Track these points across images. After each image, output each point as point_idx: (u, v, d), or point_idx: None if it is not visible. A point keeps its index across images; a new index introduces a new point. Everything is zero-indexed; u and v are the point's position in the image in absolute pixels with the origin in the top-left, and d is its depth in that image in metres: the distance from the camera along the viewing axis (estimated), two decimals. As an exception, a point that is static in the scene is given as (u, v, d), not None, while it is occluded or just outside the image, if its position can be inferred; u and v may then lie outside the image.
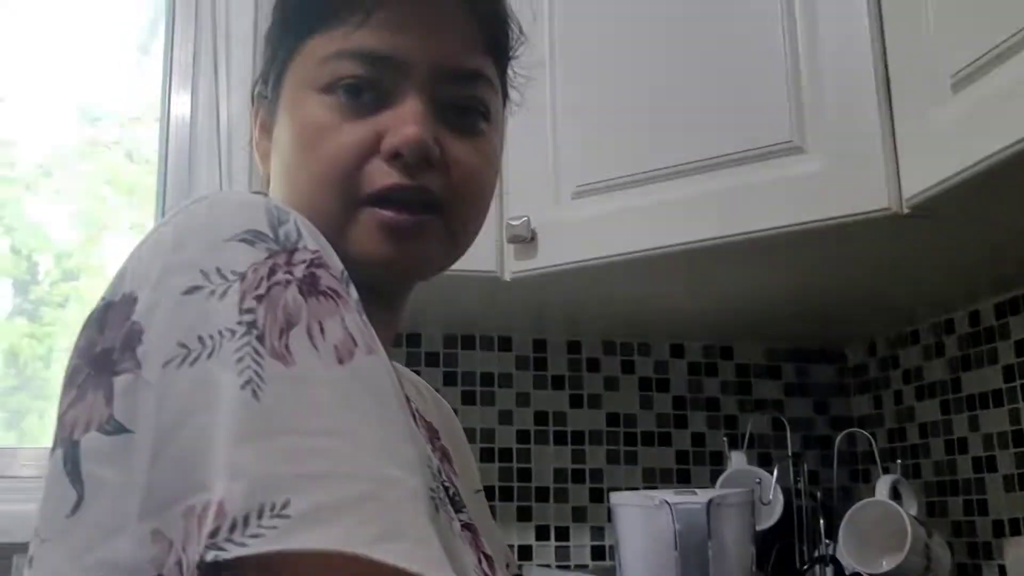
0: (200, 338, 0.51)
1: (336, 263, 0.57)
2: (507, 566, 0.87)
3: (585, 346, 1.75)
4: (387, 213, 0.65)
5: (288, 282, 0.53)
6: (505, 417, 1.69)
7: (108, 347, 0.53)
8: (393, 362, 0.67)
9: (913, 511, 1.36)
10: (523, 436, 1.68)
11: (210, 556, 0.45)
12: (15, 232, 1.80)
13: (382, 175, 0.64)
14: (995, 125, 0.96)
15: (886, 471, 1.45)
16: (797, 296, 1.50)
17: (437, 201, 0.66)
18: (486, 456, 1.66)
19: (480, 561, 0.64)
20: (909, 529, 1.28)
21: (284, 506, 0.46)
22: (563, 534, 1.66)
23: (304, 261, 0.55)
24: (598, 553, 1.65)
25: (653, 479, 1.70)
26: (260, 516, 0.46)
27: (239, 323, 0.51)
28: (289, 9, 0.70)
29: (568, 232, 1.31)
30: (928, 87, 1.06)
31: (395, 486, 0.50)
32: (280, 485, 0.47)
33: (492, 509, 1.61)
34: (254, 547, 0.45)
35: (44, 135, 1.79)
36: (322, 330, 0.53)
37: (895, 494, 1.38)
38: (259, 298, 0.52)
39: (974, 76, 0.99)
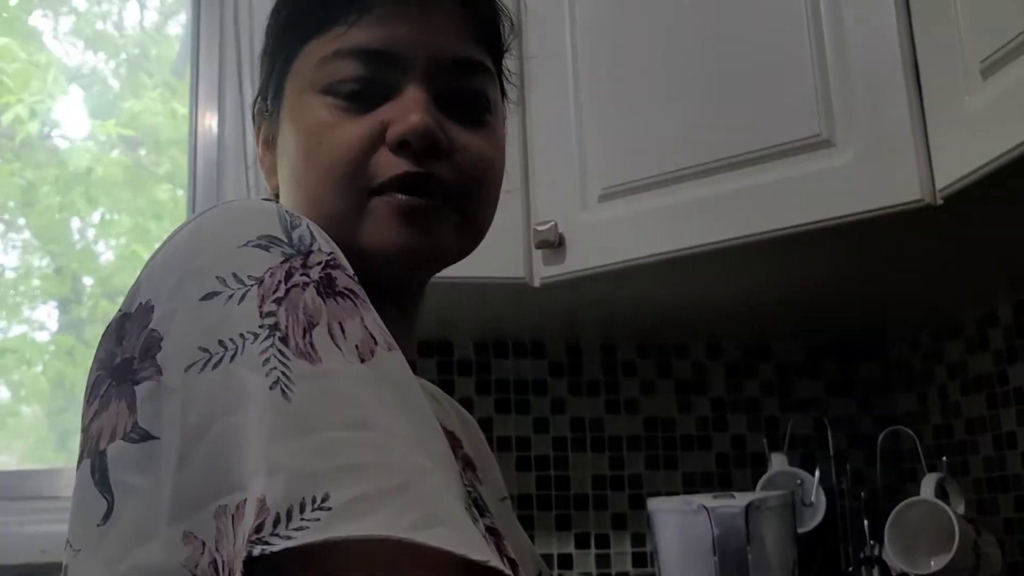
0: (221, 342, 0.51)
1: (348, 265, 0.57)
2: (539, 574, 0.86)
3: (620, 350, 1.73)
4: (401, 197, 0.65)
5: (306, 284, 0.54)
6: (541, 425, 1.67)
7: (128, 357, 0.54)
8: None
9: (961, 509, 1.32)
10: (560, 443, 1.67)
11: (256, 551, 0.45)
12: (60, 255, 1.83)
13: (390, 165, 0.64)
14: (1028, 110, 0.93)
15: (932, 469, 1.42)
16: (836, 292, 1.47)
17: (448, 189, 0.66)
18: (522, 465, 1.64)
19: (505, 565, 0.64)
20: (956, 528, 1.25)
21: (325, 499, 0.46)
22: (603, 542, 1.64)
23: (320, 263, 0.55)
24: (639, 560, 1.63)
25: (693, 484, 1.68)
26: (302, 510, 0.46)
27: (261, 326, 0.51)
28: (283, 21, 0.71)
29: (596, 235, 1.29)
30: (957, 75, 1.03)
31: (429, 476, 0.50)
32: (319, 479, 0.47)
33: (530, 518, 1.61)
34: (299, 539, 0.45)
35: (88, 158, 1.82)
36: (343, 330, 0.53)
37: (942, 492, 1.34)
38: (279, 300, 0.52)
39: (1004, 61, 0.96)
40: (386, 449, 0.50)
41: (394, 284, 0.70)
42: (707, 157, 1.22)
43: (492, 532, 0.65)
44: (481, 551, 0.48)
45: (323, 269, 0.55)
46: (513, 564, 0.65)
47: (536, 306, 1.47)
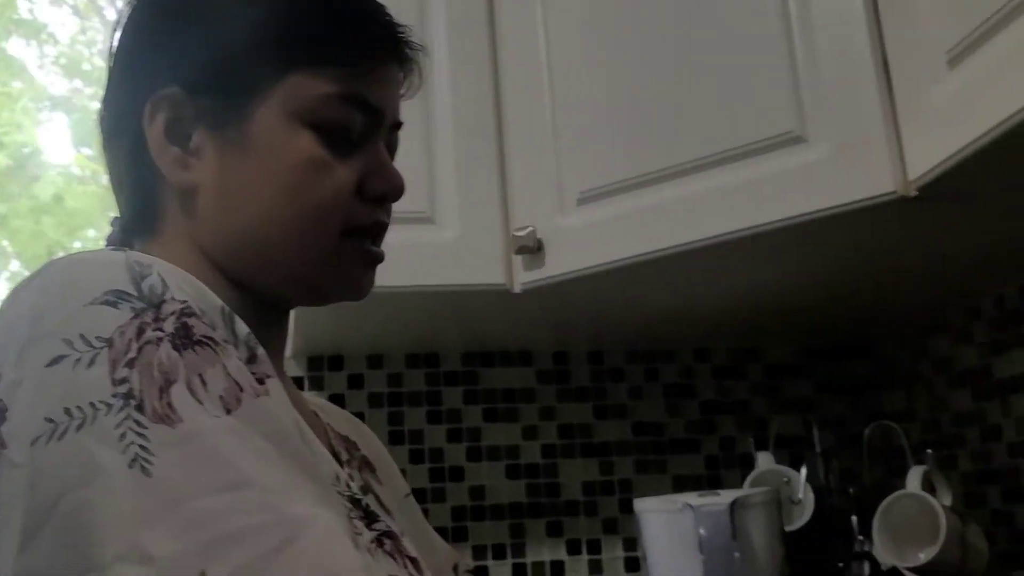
0: (67, 410, 0.49)
1: (211, 303, 0.57)
2: (455, 567, 0.88)
3: (607, 356, 1.73)
4: (373, 247, 0.73)
5: (160, 339, 0.52)
6: (529, 432, 1.67)
7: None
8: (290, 389, 0.70)
9: (947, 502, 1.32)
10: (549, 451, 1.67)
11: None
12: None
13: (367, 213, 0.71)
14: (993, 98, 0.94)
15: (920, 463, 1.41)
16: (819, 291, 1.47)
17: None
18: (511, 473, 1.64)
19: (405, 566, 0.64)
20: (942, 520, 1.25)
21: None
22: (595, 547, 1.63)
23: (174, 313, 0.54)
24: (632, 565, 1.62)
25: (683, 486, 1.67)
26: None
27: (114, 395, 0.49)
28: (263, 38, 0.70)
29: (575, 239, 1.30)
30: (925, 65, 1.03)
31: (312, 524, 0.49)
32: (192, 559, 0.46)
33: (520, 526, 1.61)
34: None
35: (54, 189, 1.83)
36: (203, 382, 0.52)
37: (929, 486, 1.34)
38: (131, 363, 0.51)
39: (969, 50, 0.97)
40: (261, 506, 0.49)
41: (291, 307, 0.75)
42: (683, 157, 1.23)
43: (388, 536, 0.65)
44: None
45: (178, 319, 0.54)
46: (415, 562, 0.66)
47: (520, 313, 1.48)
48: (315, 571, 0.47)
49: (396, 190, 0.73)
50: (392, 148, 0.77)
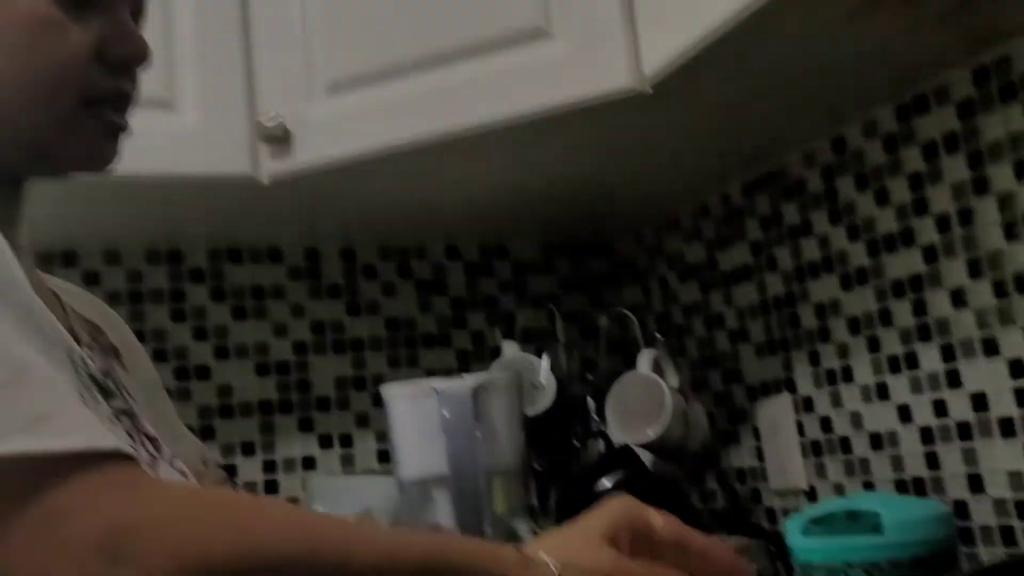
0: None
1: None
2: (204, 461, 0.88)
3: (360, 253, 1.73)
4: (116, 117, 0.68)
5: None
6: (280, 330, 1.65)
7: None
8: (27, 263, 0.67)
9: (674, 384, 1.42)
10: (300, 348, 1.66)
11: None
12: None
13: (108, 81, 0.67)
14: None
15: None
16: (562, 189, 1.53)
17: None
18: (261, 371, 1.62)
19: (143, 443, 0.65)
20: (667, 399, 1.35)
21: None
22: (347, 441, 1.65)
23: None
24: (384, 456, 1.65)
25: (434, 379, 1.71)
26: None
27: None
28: None
29: (324, 128, 1.28)
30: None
31: (37, 365, 0.49)
32: None
33: (271, 424, 1.59)
34: None
35: None
36: None
37: (658, 369, 1.44)
38: None
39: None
40: None
41: (24, 178, 0.71)
42: (432, 47, 1.23)
43: (126, 413, 0.65)
44: (101, 435, 0.48)
45: None
46: (154, 441, 0.66)
47: (268, 207, 1.45)
48: (42, 406, 0.47)
49: (139, 54, 0.69)
50: (137, 12, 0.72)
